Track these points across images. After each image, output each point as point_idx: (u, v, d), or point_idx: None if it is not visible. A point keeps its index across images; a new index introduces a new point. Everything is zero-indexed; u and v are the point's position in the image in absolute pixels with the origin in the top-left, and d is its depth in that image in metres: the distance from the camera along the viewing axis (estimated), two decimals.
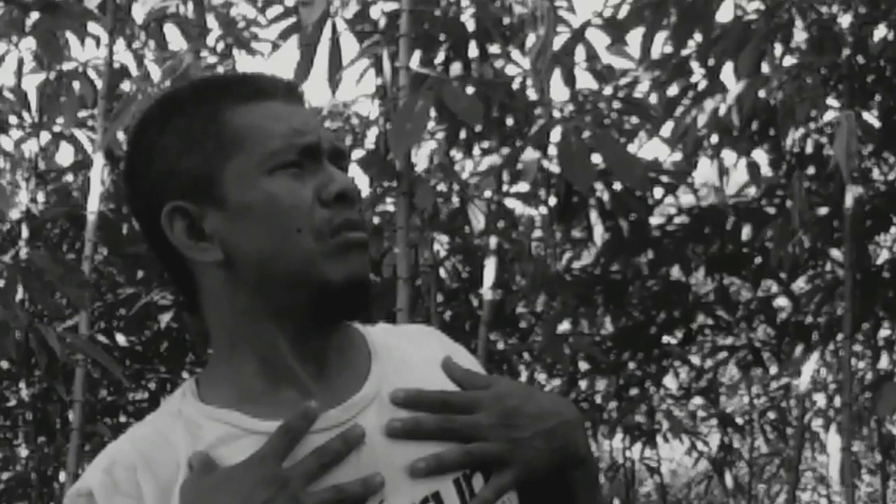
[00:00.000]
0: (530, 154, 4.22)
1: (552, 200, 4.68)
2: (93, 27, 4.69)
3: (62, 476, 5.18)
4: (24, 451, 5.89)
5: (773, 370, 6.95)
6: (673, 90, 4.42)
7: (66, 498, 1.15)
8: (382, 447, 1.15)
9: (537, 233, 5.35)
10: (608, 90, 4.67)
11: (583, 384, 6.19)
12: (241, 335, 1.17)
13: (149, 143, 1.18)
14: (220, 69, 4.76)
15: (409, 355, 1.25)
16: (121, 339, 5.48)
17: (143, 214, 1.19)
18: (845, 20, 4.20)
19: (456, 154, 4.80)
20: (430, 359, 1.26)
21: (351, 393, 1.17)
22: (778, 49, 4.19)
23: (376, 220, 4.86)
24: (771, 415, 7.65)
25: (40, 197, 5.70)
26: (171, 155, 1.16)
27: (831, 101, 4.35)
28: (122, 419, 5.89)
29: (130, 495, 1.12)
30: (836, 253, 4.96)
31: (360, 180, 4.71)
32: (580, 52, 4.41)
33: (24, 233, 5.44)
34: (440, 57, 4.45)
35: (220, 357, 1.19)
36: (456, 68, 4.41)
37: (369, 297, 1.17)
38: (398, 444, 1.15)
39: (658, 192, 4.93)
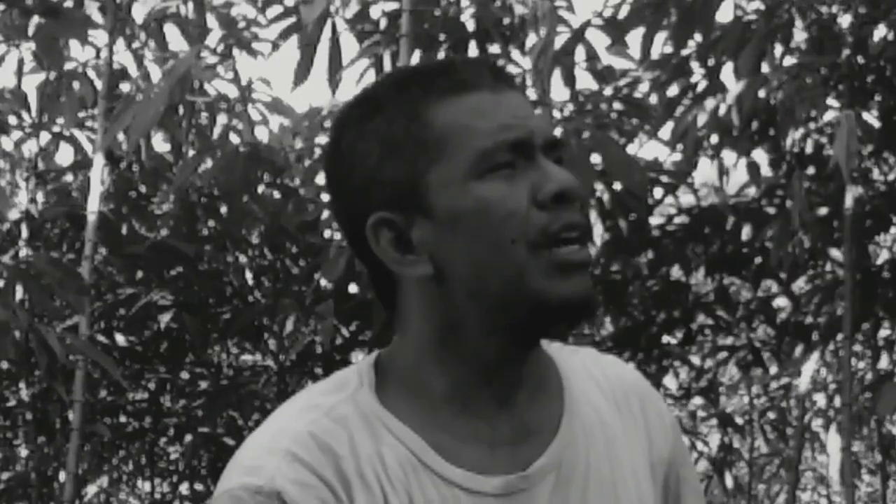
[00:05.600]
0: None
1: None
2: (93, 31, 4.70)
3: (62, 476, 5.17)
4: (24, 451, 5.89)
5: (773, 370, 6.95)
6: (673, 90, 4.41)
7: (238, 490, 1.01)
8: None
9: None
10: (608, 90, 4.66)
11: None
12: (438, 354, 1.06)
13: (349, 149, 1.09)
14: (221, 69, 4.76)
15: (603, 412, 1.13)
16: (120, 339, 5.47)
17: (346, 222, 1.11)
18: (845, 20, 4.20)
19: None
20: (629, 426, 1.14)
21: (535, 445, 1.08)
22: (778, 49, 4.18)
23: None
24: (771, 415, 7.64)
25: (40, 197, 5.69)
26: (372, 161, 1.06)
27: (831, 101, 4.35)
28: (122, 419, 5.88)
29: (330, 484, 1.01)
30: (836, 253, 4.96)
31: None
32: (580, 53, 4.41)
33: (24, 233, 5.44)
34: (440, 57, 4.44)
35: (406, 368, 1.08)
36: None
37: (588, 317, 1.08)
38: None
39: (658, 192, 4.93)
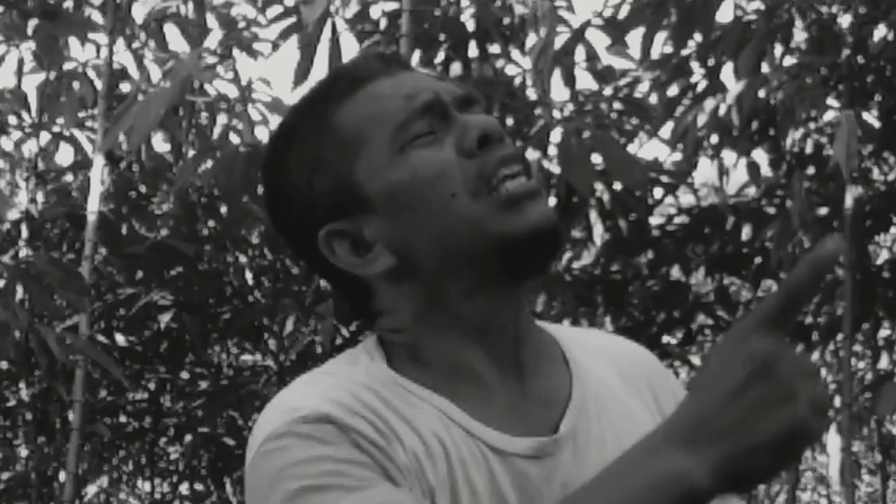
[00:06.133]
0: (530, 154, 4.22)
1: (552, 200, 4.68)
2: (93, 31, 4.70)
3: (62, 476, 5.17)
4: (24, 451, 5.89)
5: None
6: (673, 90, 4.41)
7: (280, 429, 0.97)
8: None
9: None
10: (608, 90, 4.67)
11: None
12: (429, 330, 1.06)
13: (280, 186, 1.10)
14: (221, 69, 4.76)
15: (612, 385, 1.11)
16: (120, 339, 5.47)
17: (303, 253, 1.11)
18: (845, 20, 4.20)
19: None
20: (633, 387, 1.13)
21: (551, 412, 1.06)
22: (778, 49, 4.19)
23: None
24: None
25: (40, 197, 5.69)
26: (303, 185, 1.08)
27: (831, 101, 4.35)
28: (122, 419, 5.89)
29: (371, 419, 0.99)
30: None
31: None
32: (580, 52, 4.41)
33: (24, 233, 5.44)
34: (440, 57, 4.45)
35: (408, 346, 1.07)
36: (456, 68, 4.41)
37: (558, 245, 1.05)
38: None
39: (658, 192, 4.93)
